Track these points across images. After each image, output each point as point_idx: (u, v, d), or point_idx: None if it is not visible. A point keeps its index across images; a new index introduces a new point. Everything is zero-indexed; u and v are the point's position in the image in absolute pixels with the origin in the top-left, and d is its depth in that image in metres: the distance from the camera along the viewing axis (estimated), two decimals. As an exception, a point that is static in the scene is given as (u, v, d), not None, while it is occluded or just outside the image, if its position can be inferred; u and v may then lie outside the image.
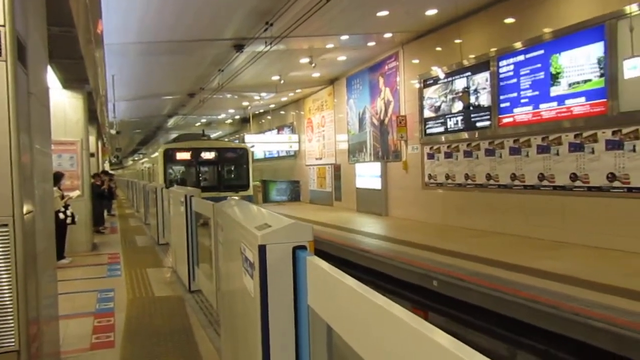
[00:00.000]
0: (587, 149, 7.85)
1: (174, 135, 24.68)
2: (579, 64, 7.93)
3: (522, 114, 9.10)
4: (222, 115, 26.27)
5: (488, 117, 9.98)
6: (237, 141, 25.27)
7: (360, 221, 13.03)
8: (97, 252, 9.33)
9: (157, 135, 35.07)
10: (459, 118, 10.86)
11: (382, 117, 14.27)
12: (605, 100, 7.52)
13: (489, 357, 0.84)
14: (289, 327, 1.73)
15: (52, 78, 7.58)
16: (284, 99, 21.45)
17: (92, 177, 11.36)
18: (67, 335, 4.47)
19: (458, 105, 10.91)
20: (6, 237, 2.41)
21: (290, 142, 21.88)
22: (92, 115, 11.79)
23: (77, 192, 8.56)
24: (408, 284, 7.26)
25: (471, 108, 10.50)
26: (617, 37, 7.27)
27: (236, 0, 9.39)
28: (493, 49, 9.80)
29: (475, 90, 10.35)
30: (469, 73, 10.53)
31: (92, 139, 13.37)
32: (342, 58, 14.42)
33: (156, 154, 17.13)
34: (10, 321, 2.42)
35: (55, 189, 7.06)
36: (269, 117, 25.36)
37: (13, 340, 2.42)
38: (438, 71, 11.50)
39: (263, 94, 19.87)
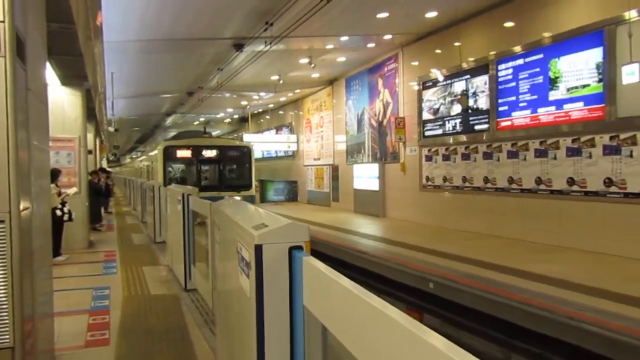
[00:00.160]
0: (585, 153, 7.87)
1: (172, 134, 24.37)
2: (578, 68, 7.96)
3: (521, 117, 9.12)
4: (221, 115, 26.26)
5: (486, 120, 10.00)
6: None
7: (358, 222, 13.04)
8: (94, 250, 9.32)
9: (155, 133, 35.04)
10: (458, 121, 10.88)
11: (380, 119, 14.28)
12: (603, 105, 7.54)
13: (482, 359, 0.84)
14: (284, 327, 1.73)
15: (50, 74, 7.56)
16: (283, 99, 21.46)
17: (89, 174, 11.34)
18: (61, 332, 4.46)
19: (457, 108, 10.93)
20: (2, 234, 2.41)
21: (288, 142, 21.87)
22: (91, 112, 11.77)
23: (74, 189, 8.54)
24: (404, 285, 7.27)
25: (470, 111, 10.52)
26: (616, 42, 7.30)
27: (236, -1, 9.41)
28: (492, 53, 9.82)
29: (474, 93, 10.37)
30: (468, 76, 10.55)
31: (90, 136, 13.36)
32: (341, 59, 14.43)
33: (155, 151, 16.61)
34: (5, 318, 2.42)
35: (52, 185, 7.05)
36: (267, 117, 25.36)
37: (7, 336, 2.42)
38: (437, 73, 11.52)
39: (262, 94, 19.87)
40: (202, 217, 5.39)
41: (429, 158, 11.95)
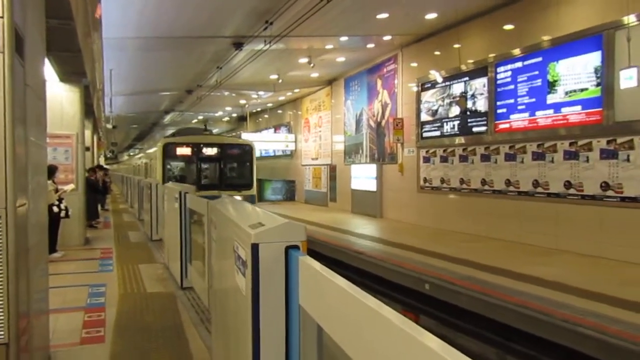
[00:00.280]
0: (582, 157, 7.89)
1: (170, 131, 24.21)
2: (576, 72, 7.98)
3: (519, 120, 9.14)
4: (219, 113, 26.24)
5: (484, 122, 10.01)
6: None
7: (355, 222, 13.04)
8: (90, 247, 9.30)
9: (154, 131, 34.99)
10: (456, 122, 10.89)
11: (379, 119, 14.29)
12: (601, 109, 7.56)
13: (477, 361, 0.84)
14: (279, 326, 1.73)
15: (49, 71, 7.54)
16: (282, 98, 21.46)
17: (87, 171, 11.31)
18: (57, 329, 4.45)
19: (455, 110, 10.94)
20: (-2, 229, 2.40)
21: (286, 141, 21.87)
22: (89, 109, 11.74)
23: (71, 186, 8.52)
24: (400, 286, 7.28)
25: (468, 113, 10.53)
26: (614, 47, 7.32)
27: (236, -2, 9.40)
28: (491, 55, 9.84)
29: (473, 96, 10.38)
30: (466, 78, 10.56)
31: (87, 132, 13.33)
32: (340, 59, 14.43)
33: (154, 148, 16.26)
34: (0, 314, 2.41)
35: (49, 182, 7.03)
36: (266, 116, 25.35)
37: (2, 333, 2.42)
38: (436, 75, 11.53)
39: (261, 93, 19.87)
40: (198, 215, 5.38)
41: (426, 159, 11.96)
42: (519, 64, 9.16)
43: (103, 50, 10.63)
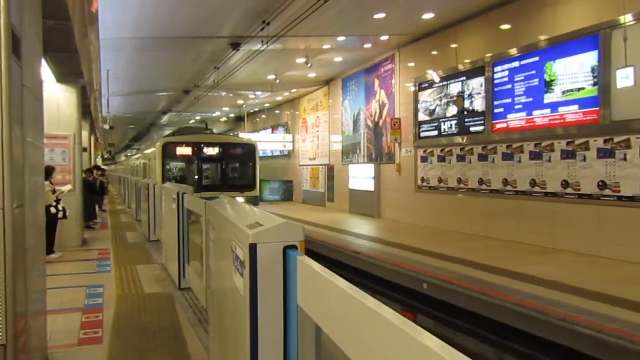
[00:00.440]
0: (579, 156, 7.91)
1: (168, 132, 24.06)
2: (573, 72, 8.00)
3: (516, 120, 9.15)
4: (217, 114, 26.23)
5: (482, 122, 10.03)
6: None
7: (352, 223, 13.05)
8: (88, 248, 9.28)
9: (151, 131, 34.96)
10: (453, 122, 10.90)
11: (376, 120, 14.30)
12: (598, 109, 7.59)
13: (475, 360, 0.84)
14: (278, 326, 1.73)
15: (46, 72, 7.52)
16: (279, 98, 21.46)
17: (84, 172, 11.29)
18: (54, 330, 4.44)
19: (452, 110, 10.96)
20: (-4, 230, 2.40)
21: (284, 141, 21.87)
22: (86, 109, 11.71)
23: (68, 187, 8.50)
24: (398, 286, 7.28)
25: (465, 113, 10.55)
26: (611, 46, 7.34)
27: (234, -2, 9.40)
28: (489, 55, 9.85)
29: (470, 95, 10.40)
30: (464, 78, 10.57)
31: (85, 133, 13.30)
32: (338, 59, 14.44)
33: (153, 148, 15.77)
34: (-2, 315, 2.40)
35: (46, 183, 7.01)
36: (263, 116, 25.34)
37: (0, 334, 2.41)
38: (433, 75, 11.55)
39: (258, 93, 19.86)
40: (196, 216, 5.38)
41: (424, 159, 11.97)
42: (516, 64, 9.18)
43: (100, 50, 10.61)
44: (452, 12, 10.14)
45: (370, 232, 11.21)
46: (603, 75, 7.47)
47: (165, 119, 27.45)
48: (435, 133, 11.51)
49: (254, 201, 13.71)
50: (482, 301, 5.68)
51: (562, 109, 8.22)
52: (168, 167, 14.17)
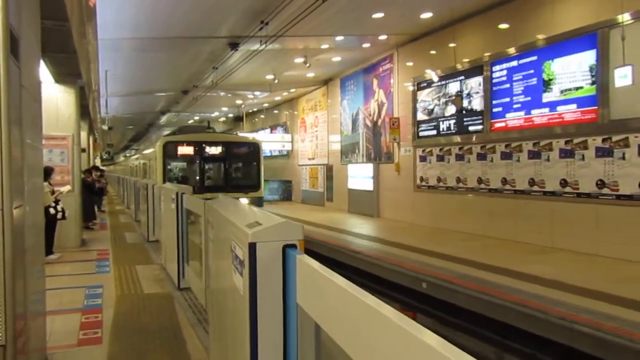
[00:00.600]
0: (578, 155, 7.92)
1: (166, 132, 23.89)
2: (571, 71, 8.01)
3: (514, 119, 9.16)
4: (216, 114, 26.21)
5: (480, 121, 10.04)
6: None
7: (351, 222, 13.05)
8: (86, 248, 9.27)
9: (150, 132, 34.93)
10: (452, 121, 10.91)
11: (375, 119, 14.30)
12: (596, 107, 7.60)
13: (476, 359, 0.85)
14: (277, 325, 1.74)
15: (44, 72, 7.52)
16: (278, 98, 21.45)
17: (83, 172, 11.28)
18: (54, 331, 4.44)
19: (451, 109, 10.96)
20: (-5, 231, 2.40)
21: (283, 141, 21.85)
22: (84, 110, 11.70)
23: (67, 187, 8.49)
24: (397, 285, 7.28)
25: (464, 112, 10.56)
26: (609, 45, 7.35)
27: (232, -2, 9.40)
28: (487, 54, 9.86)
29: (468, 95, 10.41)
30: (462, 77, 10.58)
31: (83, 134, 13.28)
32: (336, 59, 14.44)
33: (153, 148, 15.32)
34: (-3, 315, 2.40)
35: (45, 184, 7.01)
36: (262, 116, 25.33)
37: (0, 334, 2.41)
38: (432, 74, 11.55)
39: (257, 93, 19.85)
40: (195, 215, 5.38)
41: (423, 158, 11.98)
42: (514, 63, 9.18)
43: (98, 51, 10.60)
44: (451, 11, 10.15)
45: (369, 231, 11.22)
46: (601, 74, 7.48)
47: (163, 119, 27.44)
48: (434, 132, 11.52)
49: (258, 202, 13.34)
50: (481, 300, 5.68)
51: (560, 108, 8.23)
52: (169, 167, 13.74)
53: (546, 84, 8.49)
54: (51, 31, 5.27)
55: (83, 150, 12.23)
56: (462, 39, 10.69)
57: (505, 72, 9.40)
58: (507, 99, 9.32)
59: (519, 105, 9.06)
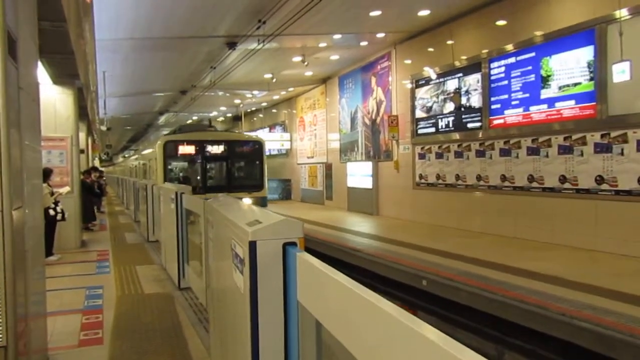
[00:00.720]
0: (576, 151, 7.93)
1: (165, 132, 23.69)
2: (569, 67, 8.01)
3: (513, 115, 9.17)
4: (214, 113, 26.19)
5: (479, 118, 10.04)
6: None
7: (351, 220, 13.06)
8: (86, 249, 9.27)
9: (148, 132, 34.89)
10: (451, 119, 10.92)
11: (374, 117, 14.30)
12: (594, 103, 7.60)
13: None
14: (278, 322, 1.74)
15: (42, 73, 7.51)
16: (276, 97, 21.44)
17: (82, 173, 11.27)
18: (55, 332, 4.44)
19: (449, 106, 10.97)
20: (-5, 232, 2.40)
21: (282, 140, 21.84)
22: (83, 111, 11.70)
23: (66, 188, 8.49)
24: (397, 283, 7.29)
25: (462, 109, 10.56)
26: (607, 41, 7.35)
27: (229, -3, 9.38)
28: (485, 51, 9.86)
29: (467, 92, 10.41)
30: (460, 74, 10.58)
31: (82, 135, 13.29)
32: (334, 57, 14.43)
33: (152, 148, 15.06)
34: (-2, 317, 2.41)
35: (44, 185, 7.01)
36: (260, 115, 25.32)
37: (1, 336, 2.41)
38: (430, 72, 11.55)
39: (255, 92, 19.84)
40: (195, 215, 5.38)
41: (422, 156, 11.99)
42: (512, 60, 9.19)
43: (96, 52, 10.58)
44: (448, 8, 10.15)
45: (369, 229, 11.23)
46: (599, 70, 7.49)
47: (162, 119, 27.41)
48: (433, 129, 11.52)
49: (262, 202, 13.04)
50: (481, 297, 5.69)
51: (558, 104, 8.23)
52: (170, 167, 13.32)
53: (544, 81, 8.49)
54: (48, 32, 5.26)
55: (82, 151, 12.23)
56: (459, 36, 10.69)
57: (503, 68, 9.40)
58: (506, 96, 9.33)
59: (517, 102, 9.06)
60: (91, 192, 12.94)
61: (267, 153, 23.01)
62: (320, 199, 18.15)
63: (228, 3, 9.63)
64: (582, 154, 7.83)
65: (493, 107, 9.66)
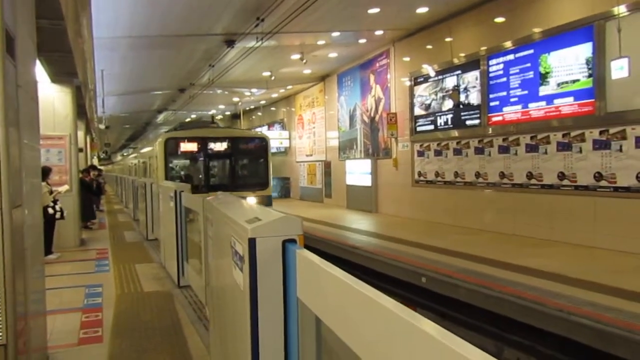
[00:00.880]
0: (575, 148, 7.94)
1: (163, 131, 23.52)
2: (568, 64, 8.01)
3: (512, 112, 9.17)
4: (213, 111, 26.15)
5: (478, 115, 10.04)
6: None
7: (350, 218, 13.06)
8: (85, 248, 9.27)
9: (147, 130, 34.83)
10: (449, 116, 10.92)
11: (372, 115, 14.30)
12: (593, 100, 7.60)
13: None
14: (278, 319, 1.74)
15: (40, 72, 7.50)
16: (275, 95, 21.42)
17: (80, 172, 11.27)
18: (54, 330, 4.44)
19: (448, 104, 10.97)
20: (-6, 231, 2.40)
21: (280, 138, 21.82)
22: (81, 109, 11.68)
23: (65, 187, 8.49)
24: (396, 280, 7.30)
25: (461, 106, 10.56)
26: (605, 37, 7.35)
27: (227, -5, 9.37)
28: (483, 48, 9.86)
29: (465, 89, 10.41)
30: (459, 71, 10.58)
31: (80, 133, 13.27)
32: (333, 55, 14.42)
33: (150, 147, 14.60)
34: (-2, 315, 2.41)
35: (43, 184, 7.00)
36: (259, 114, 25.30)
37: (0, 334, 2.41)
38: (429, 69, 11.55)
39: (254, 90, 19.81)
40: (194, 213, 5.38)
41: (421, 153, 11.99)
42: (510, 57, 9.18)
43: (94, 50, 10.57)
44: (446, 5, 10.14)
45: (368, 227, 11.24)
46: (597, 67, 7.49)
47: (160, 117, 27.36)
48: (431, 127, 11.52)
49: (267, 201, 12.64)
50: (480, 293, 5.70)
51: (557, 101, 8.24)
52: (171, 165, 12.79)
53: (543, 77, 8.50)
54: (46, 30, 5.25)
55: (80, 149, 12.22)
56: (458, 34, 10.69)
57: (501, 65, 9.40)
58: (504, 93, 9.33)
59: (516, 99, 9.06)
60: (90, 191, 12.93)
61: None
62: (319, 197, 18.15)
63: (226, 1, 9.61)
64: (580, 151, 7.84)
65: (492, 104, 9.67)
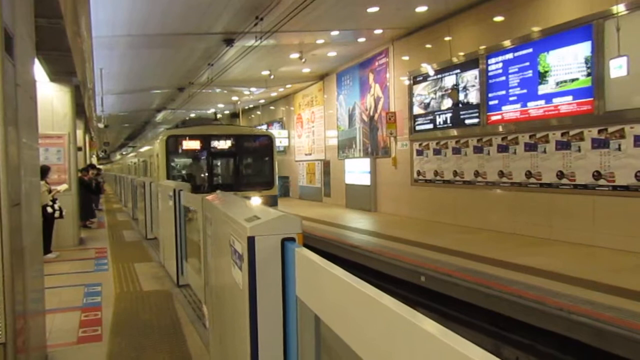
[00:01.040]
0: (574, 147, 7.94)
1: (163, 129, 23.37)
2: (567, 62, 8.02)
3: (511, 111, 9.17)
4: (212, 110, 26.12)
5: (477, 114, 10.05)
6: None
7: (349, 217, 13.07)
8: (84, 247, 9.26)
9: (146, 129, 34.82)
10: (448, 115, 10.92)
11: (371, 114, 14.30)
12: (591, 99, 7.61)
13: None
14: (277, 318, 1.74)
15: (39, 71, 7.48)
16: (274, 94, 21.41)
17: (79, 171, 11.25)
18: (54, 329, 4.44)
19: (447, 103, 10.97)
20: (-7, 230, 2.39)
21: (279, 137, 21.79)
22: (80, 108, 11.64)
23: (64, 186, 8.48)
24: (395, 279, 7.30)
25: (460, 105, 10.56)
26: (604, 36, 7.36)
27: (226, -6, 9.36)
28: (482, 47, 9.86)
29: (465, 88, 10.41)
30: (458, 70, 10.58)
31: (79, 132, 13.23)
32: (332, 54, 14.41)
33: (149, 146, 14.27)
34: (-3, 314, 2.41)
35: (42, 183, 6.99)
36: (258, 113, 25.28)
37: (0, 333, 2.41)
38: (428, 68, 11.55)
39: (253, 89, 19.80)
40: (193, 212, 5.37)
41: (420, 152, 11.99)
42: (509, 56, 9.19)
43: (93, 49, 10.55)
44: (445, 4, 10.13)
45: (367, 226, 11.24)
46: (596, 66, 7.49)
47: (159, 116, 27.35)
48: (430, 126, 11.52)
49: (273, 201, 12.32)
50: (479, 292, 5.70)
51: (556, 100, 8.24)
52: (172, 164, 12.34)
53: (542, 76, 8.50)
54: (45, 29, 5.24)
55: (79, 148, 12.18)
56: (457, 33, 10.69)
57: (500, 64, 9.40)
58: (503, 92, 9.33)
59: (515, 98, 9.07)
60: (89, 190, 12.92)
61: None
62: (318, 196, 18.15)
63: (225, 0, 9.61)
64: (579, 150, 7.85)
65: (491, 103, 9.67)
